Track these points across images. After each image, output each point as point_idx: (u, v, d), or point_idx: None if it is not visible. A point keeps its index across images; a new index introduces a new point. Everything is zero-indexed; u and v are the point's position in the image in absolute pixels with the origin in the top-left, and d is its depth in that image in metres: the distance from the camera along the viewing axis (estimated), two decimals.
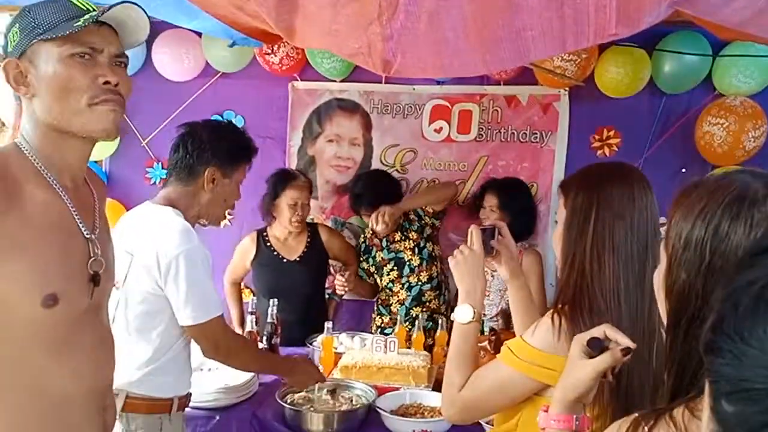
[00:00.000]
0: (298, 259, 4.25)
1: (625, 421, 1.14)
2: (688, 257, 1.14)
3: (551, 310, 1.82)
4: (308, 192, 4.23)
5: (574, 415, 1.46)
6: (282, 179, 4.15)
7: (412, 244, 4.33)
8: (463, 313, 2.03)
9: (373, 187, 4.29)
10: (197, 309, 2.44)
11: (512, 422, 1.92)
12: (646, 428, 1.08)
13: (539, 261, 4.03)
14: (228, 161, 2.64)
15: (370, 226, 4.26)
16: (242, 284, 4.65)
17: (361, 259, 4.45)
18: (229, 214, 2.77)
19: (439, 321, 3.72)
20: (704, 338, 0.82)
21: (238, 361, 2.71)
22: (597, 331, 1.46)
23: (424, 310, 4.21)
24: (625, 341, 1.42)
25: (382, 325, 4.44)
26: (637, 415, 1.12)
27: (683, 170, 4.61)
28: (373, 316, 4.57)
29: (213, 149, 2.59)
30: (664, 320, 1.21)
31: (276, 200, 4.13)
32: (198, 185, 2.59)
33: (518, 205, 4.15)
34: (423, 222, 4.36)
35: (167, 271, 2.40)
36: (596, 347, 1.43)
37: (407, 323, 4.13)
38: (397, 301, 4.38)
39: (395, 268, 4.36)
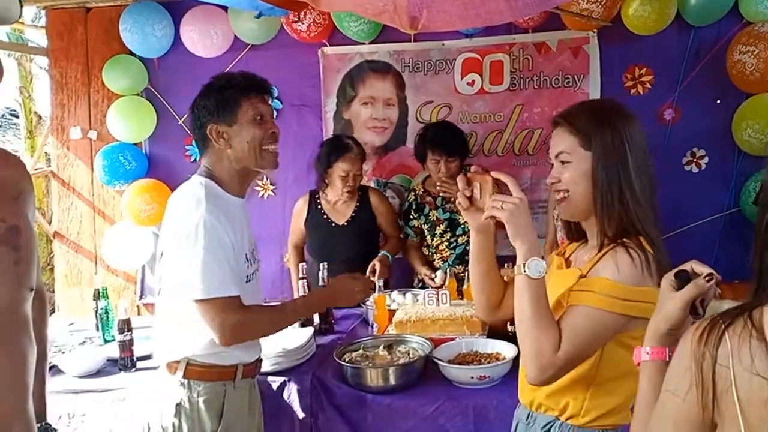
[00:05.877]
0: (345, 223, 4.30)
1: (705, 319, 1.19)
2: None
3: (615, 246, 1.88)
4: (360, 163, 4.26)
5: (666, 347, 1.47)
6: (335, 149, 4.17)
7: None
8: (536, 268, 1.86)
9: (447, 134, 4.25)
10: (199, 284, 2.35)
11: (594, 357, 1.93)
12: (723, 326, 1.14)
13: None
14: (221, 113, 2.52)
15: (433, 176, 4.28)
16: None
17: (412, 216, 4.45)
18: (269, 144, 2.61)
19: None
20: None
21: (256, 335, 2.61)
22: (685, 266, 1.48)
23: (467, 268, 4.17)
24: (707, 270, 1.44)
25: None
26: (716, 314, 1.19)
27: (717, 101, 4.60)
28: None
29: (202, 110, 2.54)
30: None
31: (329, 169, 4.17)
32: (214, 147, 2.53)
33: None
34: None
35: (177, 245, 2.43)
36: (683, 279, 1.45)
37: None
38: (441, 258, 4.42)
39: (449, 229, 4.38)
